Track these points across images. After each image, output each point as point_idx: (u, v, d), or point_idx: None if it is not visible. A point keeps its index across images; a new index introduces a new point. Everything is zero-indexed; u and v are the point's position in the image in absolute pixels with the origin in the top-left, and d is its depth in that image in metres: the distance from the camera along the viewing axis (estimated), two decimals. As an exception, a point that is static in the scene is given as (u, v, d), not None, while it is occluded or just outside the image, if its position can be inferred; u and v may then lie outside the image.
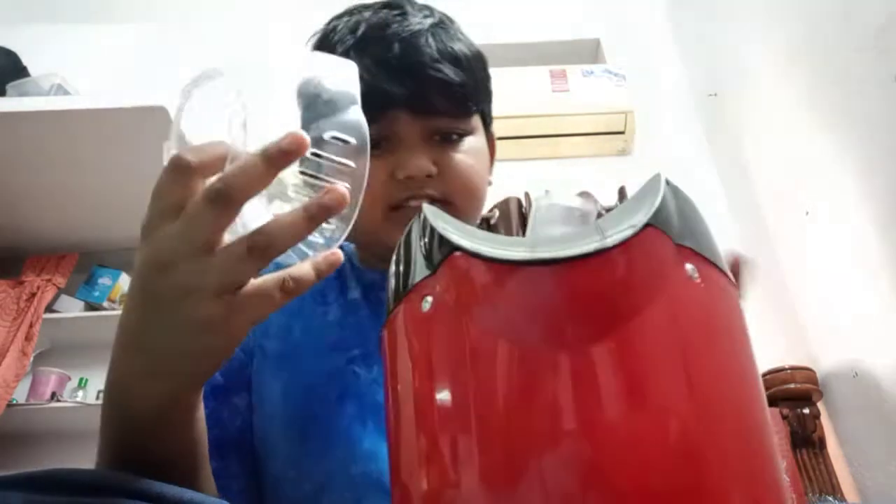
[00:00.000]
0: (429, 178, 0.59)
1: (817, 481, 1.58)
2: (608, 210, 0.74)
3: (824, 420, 1.68)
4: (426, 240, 0.23)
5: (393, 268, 0.25)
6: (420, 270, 0.22)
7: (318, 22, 0.74)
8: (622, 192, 1.95)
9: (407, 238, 0.25)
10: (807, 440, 1.62)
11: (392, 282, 0.24)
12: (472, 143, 0.64)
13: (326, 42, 0.63)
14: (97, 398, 2.13)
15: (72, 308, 2.26)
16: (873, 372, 1.57)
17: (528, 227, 0.25)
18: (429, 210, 0.24)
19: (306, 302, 0.63)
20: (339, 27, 0.63)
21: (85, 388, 2.17)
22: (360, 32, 0.61)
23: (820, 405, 1.70)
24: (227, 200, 0.30)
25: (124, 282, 2.35)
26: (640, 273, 0.19)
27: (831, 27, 1.66)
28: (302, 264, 0.32)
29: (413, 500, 0.20)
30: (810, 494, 1.54)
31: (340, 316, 0.62)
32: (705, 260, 0.21)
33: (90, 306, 2.29)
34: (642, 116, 2.28)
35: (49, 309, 2.21)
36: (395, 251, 0.25)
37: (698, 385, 0.19)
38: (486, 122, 0.70)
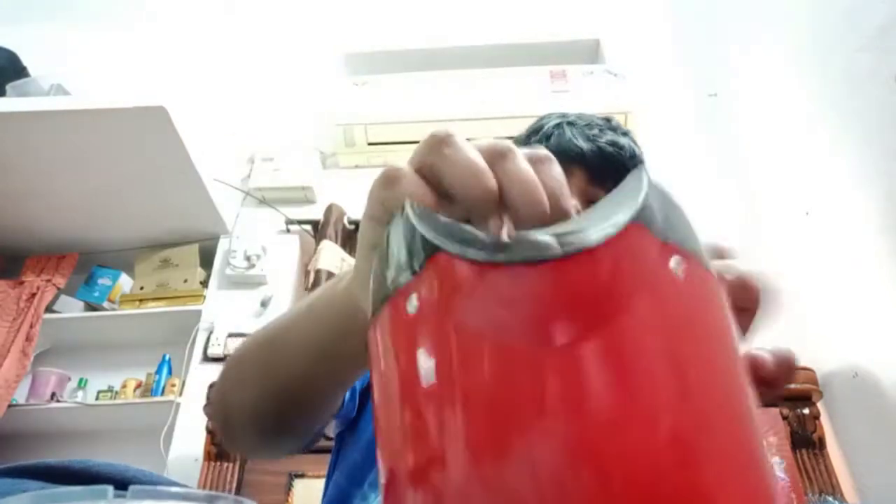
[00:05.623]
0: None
1: (817, 481, 1.58)
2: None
3: (824, 420, 1.68)
4: (409, 240, 0.22)
5: (377, 268, 0.24)
6: (405, 270, 0.22)
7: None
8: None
9: (390, 238, 0.24)
10: (807, 440, 1.62)
11: (376, 282, 0.24)
12: None
13: (538, 121, 0.76)
14: (97, 398, 2.14)
15: (72, 308, 2.26)
16: (873, 372, 1.57)
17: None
18: (411, 209, 0.23)
19: None
20: (554, 114, 0.77)
21: (85, 388, 2.17)
22: (570, 116, 0.74)
23: (820, 405, 1.70)
24: None
25: (124, 282, 2.35)
26: (625, 270, 0.19)
27: (831, 27, 1.66)
28: None
29: (400, 487, 0.20)
30: (810, 494, 1.54)
31: None
32: (690, 256, 0.21)
33: (90, 306, 2.29)
34: (642, 116, 2.28)
35: (49, 309, 2.21)
36: (380, 249, 0.25)
37: (684, 380, 0.19)
38: None
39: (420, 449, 0.20)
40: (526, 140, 0.75)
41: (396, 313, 0.22)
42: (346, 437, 0.66)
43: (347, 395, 0.62)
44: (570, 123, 0.72)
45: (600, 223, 0.20)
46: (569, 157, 0.69)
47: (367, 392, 0.66)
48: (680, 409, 0.18)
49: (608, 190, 0.72)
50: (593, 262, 0.19)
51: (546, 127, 0.73)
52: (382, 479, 0.22)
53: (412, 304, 0.21)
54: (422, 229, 0.22)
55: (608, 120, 0.75)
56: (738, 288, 0.27)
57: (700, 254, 0.22)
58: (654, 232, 0.20)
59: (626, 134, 0.74)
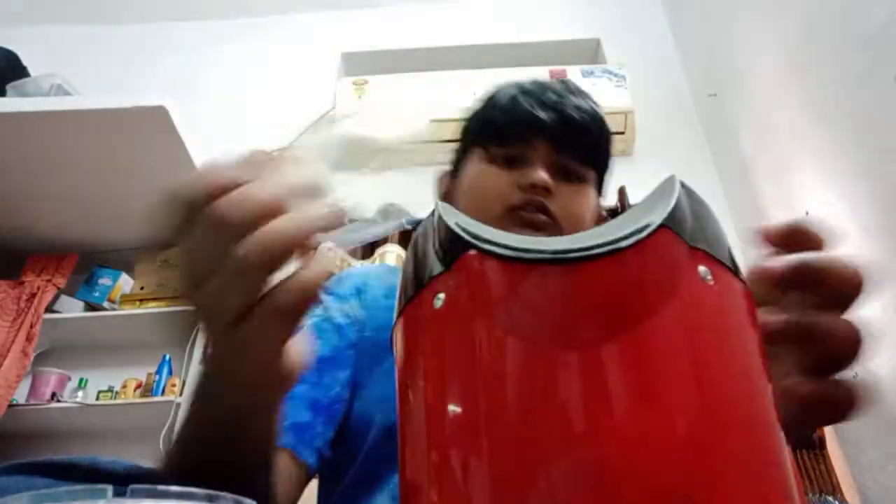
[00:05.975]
0: (547, 193, 0.64)
1: (817, 481, 1.58)
2: (609, 211, 0.75)
3: (824, 420, 1.68)
4: (440, 237, 0.23)
5: (406, 264, 0.25)
6: (434, 267, 0.22)
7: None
8: (622, 193, 1.95)
9: (421, 234, 0.24)
10: (807, 440, 1.62)
11: (405, 277, 0.24)
12: (588, 192, 0.69)
13: (490, 94, 0.73)
14: (97, 398, 2.14)
15: (72, 308, 2.26)
16: (873, 372, 1.57)
17: None
18: (442, 207, 0.23)
19: None
20: (506, 84, 0.73)
21: (85, 388, 2.17)
22: (524, 85, 0.71)
23: (820, 405, 1.69)
24: None
25: (124, 282, 2.35)
26: (653, 274, 0.19)
27: (831, 27, 1.66)
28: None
29: (421, 500, 0.20)
30: (810, 494, 1.54)
31: None
32: (719, 263, 0.21)
33: (90, 306, 2.29)
34: (642, 116, 2.28)
35: (49, 309, 2.20)
36: (410, 247, 0.25)
37: (709, 386, 0.19)
38: (600, 192, 0.75)
39: (442, 436, 0.20)
40: (477, 112, 0.72)
41: (423, 308, 0.22)
42: (326, 476, 0.63)
43: (313, 457, 0.56)
44: (524, 92, 0.68)
45: (631, 227, 0.20)
46: (530, 130, 0.66)
47: (338, 439, 0.60)
48: (702, 416, 0.18)
49: (577, 157, 0.73)
50: (622, 265, 0.19)
51: (498, 97, 0.70)
52: (404, 459, 0.22)
53: (439, 299, 0.21)
54: (453, 227, 0.22)
55: (563, 82, 0.72)
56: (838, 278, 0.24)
57: (730, 260, 0.22)
58: (684, 237, 0.20)
59: (584, 95, 0.72)
